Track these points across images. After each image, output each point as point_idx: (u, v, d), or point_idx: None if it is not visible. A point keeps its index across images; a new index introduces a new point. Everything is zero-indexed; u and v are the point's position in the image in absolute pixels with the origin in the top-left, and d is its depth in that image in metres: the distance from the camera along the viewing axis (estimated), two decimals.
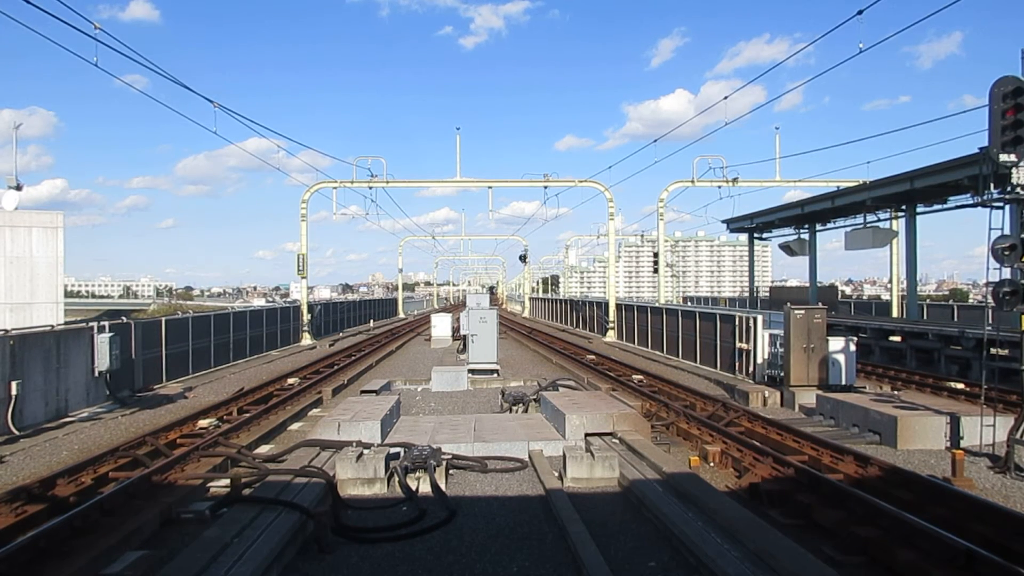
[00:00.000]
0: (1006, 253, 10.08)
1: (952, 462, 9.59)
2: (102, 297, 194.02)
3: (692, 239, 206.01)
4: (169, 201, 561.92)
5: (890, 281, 36.11)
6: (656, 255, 37.71)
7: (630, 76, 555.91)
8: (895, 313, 32.79)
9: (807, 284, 40.65)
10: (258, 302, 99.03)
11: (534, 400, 13.95)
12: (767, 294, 50.63)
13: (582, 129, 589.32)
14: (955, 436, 11.52)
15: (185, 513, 8.14)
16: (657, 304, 31.91)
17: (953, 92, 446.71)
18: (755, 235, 43.82)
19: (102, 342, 15.45)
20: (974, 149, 20.81)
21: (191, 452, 10.64)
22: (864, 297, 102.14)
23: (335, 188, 36.14)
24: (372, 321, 54.54)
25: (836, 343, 15.87)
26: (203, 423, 13.40)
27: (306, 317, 34.94)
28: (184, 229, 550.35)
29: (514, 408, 13.94)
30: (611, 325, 34.96)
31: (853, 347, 16.01)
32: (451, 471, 9.08)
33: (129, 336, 18.10)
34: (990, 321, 12.69)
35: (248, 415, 14.25)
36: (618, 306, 35.37)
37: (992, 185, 10.87)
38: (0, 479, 9.88)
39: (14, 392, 12.71)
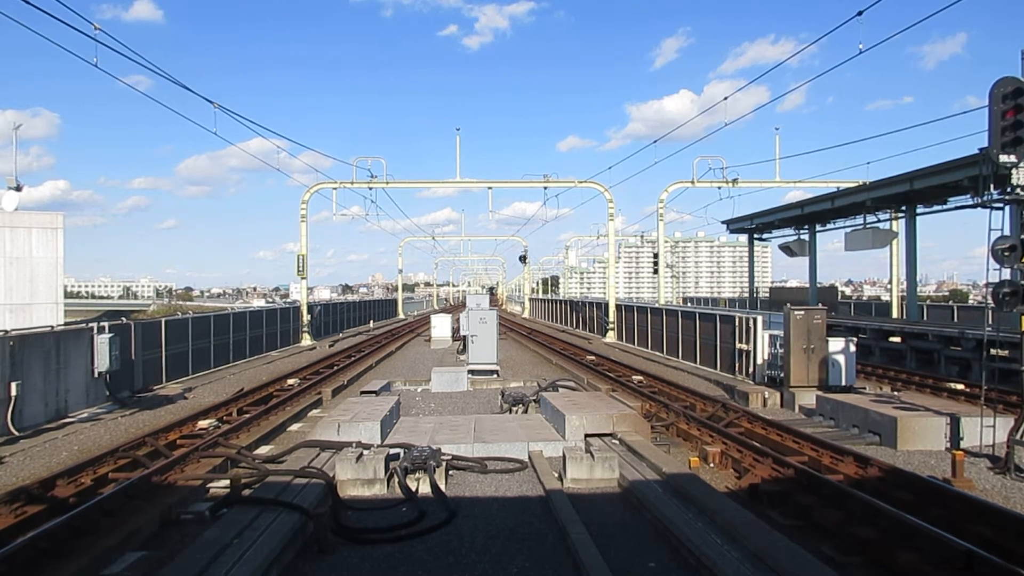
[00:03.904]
0: (1006, 254, 10.08)
1: (952, 463, 9.60)
2: (102, 298, 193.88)
3: (692, 240, 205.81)
4: (170, 202, 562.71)
5: (890, 282, 36.10)
6: (656, 256, 37.71)
7: (633, 76, 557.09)
8: (895, 314, 32.78)
9: (807, 285, 40.63)
10: (258, 303, 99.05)
11: (534, 401, 13.95)
12: (767, 295, 50.62)
13: (584, 130, 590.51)
14: (955, 437, 11.52)
15: (185, 514, 8.14)
16: (657, 305, 31.91)
17: (956, 93, 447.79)
18: (755, 236, 43.79)
19: (102, 343, 15.45)
20: (975, 150, 20.81)
21: (191, 453, 10.65)
22: (864, 298, 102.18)
23: (335, 189, 36.15)
24: (372, 322, 54.54)
25: (836, 344, 15.87)
26: (203, 424, 13.40)
27: (306, 318, 34.94)
28: (185, 230, 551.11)
29: (514, 409, 13.94)
30: (611, 326, 34.96)
31: (853, 348, 16.01)
32: (451, 472, 9.07)
33: (129, 337, 18.10)
34: (990, 322, 12.69)
35: (248, 416, 14.25)
36: (618, 307, 35.37)
37: (992, 186, 10.88)
38: (0, 480, 9.89)
39: (14, 393, 12.71)
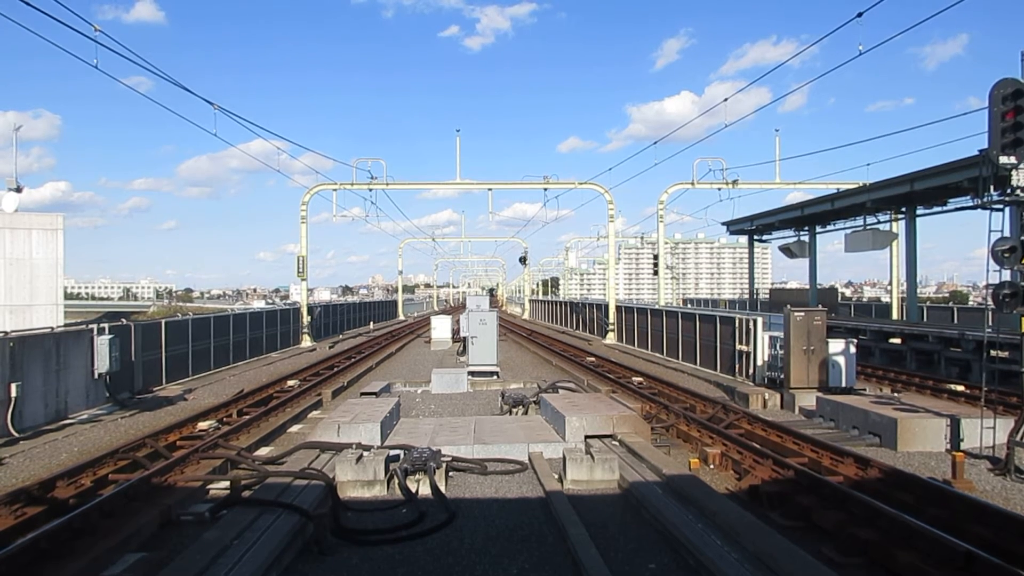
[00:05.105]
0: (1006, 255, 10.08)
1: (952, 464, 9.60)
2: (102, 299, 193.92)
3: (692, 241, 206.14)
4: (171, 203, 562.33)
5: (890, 283, 36.10)
6: (656, 257, 37.70)
7: (634, 77, 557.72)
8: (895, 315, 32.77)
9: (807, 286, 40.64)
10: (258, 304, 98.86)
11: (534, 402, 13.95)
12: (767, 296, 50.62)
13: (585, 131, 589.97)
14: (955, 438, 11.52)
15: (185, 515, 8.14)
16: (657, 306, 31.90)
17: (957, 94, 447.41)
18: (755, 237, 43.80)
19: (102, 344, 15.45)
20: (975, 151, 20.83)
21: (191, 454, 10.64)
22: (864, 299, 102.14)
23: (335, 190, 36.17)
24: (372, 323, 54.54)
25: (836, 345, 15.87)
26: (203, 425, 13.39)
27: (306, 319, 34.94)
28: (185, 231, 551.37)
29: (514, 410, 13.94)
30: (611, 327, 34.95)
31: (853, 349, 16.01)
32: (451, 473, 9.07)
33: (129, 338, 18.10)
34: (990, 323, 12.69)
35: (248, 417, 14.24)
36: (618, 308, 35.37)
37: (992, 187, 10.87)
38: (0, 481, 9.88)
39: (14, 394, 12.71)
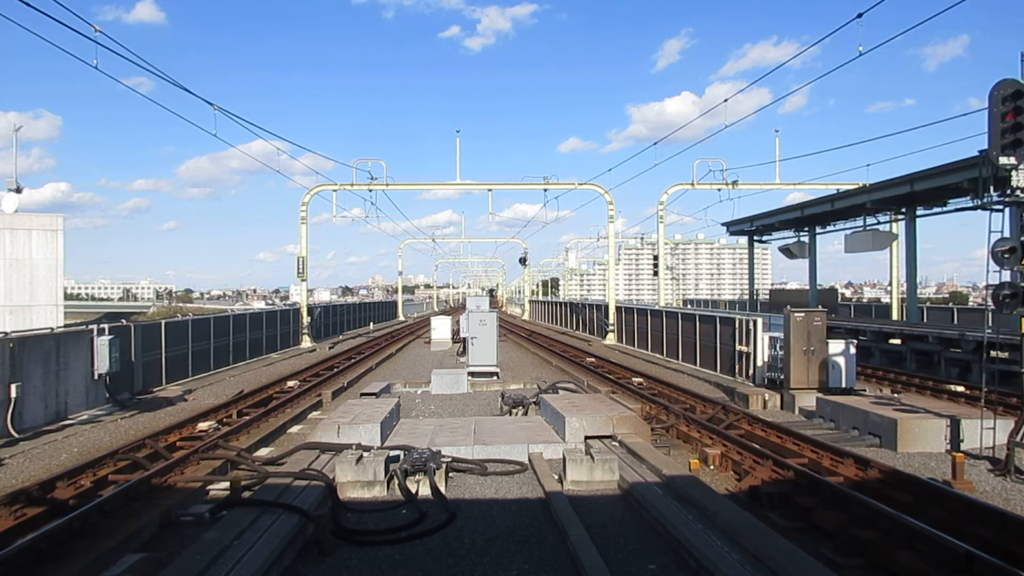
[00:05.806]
0: (1006, 256, 10.09)
1: (952, 465, 9.60)
2: (102, 299, 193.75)
3: (692, 242, 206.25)
4: (171, 203, 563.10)
5: (890, 284, 36.09)
6: (656, 258, 37.72)
7: (635, 78, 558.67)
8: (895, 316, 32.77)
9: (807, 287, 40.63)
10: (258, 305, 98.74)
11: (534, 403, 13.95)
12: (767, 297, 50.59)
13: (586, 131, 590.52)
14: (955, 439, 11.52)
15: (184, 516, 8.14)
16: (657, 307, 31.91)
17: (958, 94, 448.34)
18: (755, 238, 43.79)
19: (102, 345, 15.45)
20: (976, 152, 20.83)
21: (191, 455, 10.64)
22: (864, 300, 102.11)
23: (335, 191, 36.19)
24: (372, 324, 54.55)
25: (836, 346, 15.87)
26: (203, 426, 13.40)
27: (306, 320, 34.94)
28: (185, 231, 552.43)
29: (514, 411, 13.93)
30: (611, 328, 34.95)
31: (853, 350, 16.02)
32: (451, 474, 9.07)
33: (129, 339, 18.10)
34: (990, 324, 12.68)
35: (248, 418, 14.24)
36: (618, 309, 35.37)
37: (992, 188, 10.88)
38: (0, 482, 9.88)
39: (14, 394, 12.71)
